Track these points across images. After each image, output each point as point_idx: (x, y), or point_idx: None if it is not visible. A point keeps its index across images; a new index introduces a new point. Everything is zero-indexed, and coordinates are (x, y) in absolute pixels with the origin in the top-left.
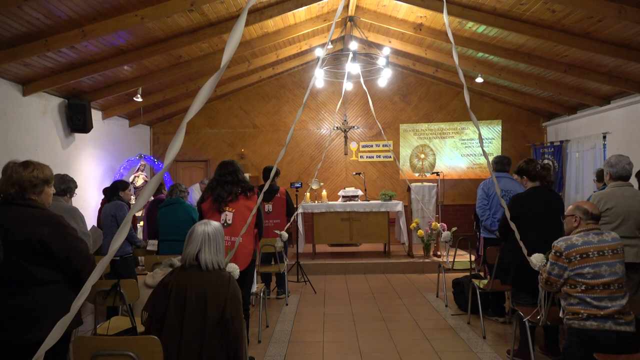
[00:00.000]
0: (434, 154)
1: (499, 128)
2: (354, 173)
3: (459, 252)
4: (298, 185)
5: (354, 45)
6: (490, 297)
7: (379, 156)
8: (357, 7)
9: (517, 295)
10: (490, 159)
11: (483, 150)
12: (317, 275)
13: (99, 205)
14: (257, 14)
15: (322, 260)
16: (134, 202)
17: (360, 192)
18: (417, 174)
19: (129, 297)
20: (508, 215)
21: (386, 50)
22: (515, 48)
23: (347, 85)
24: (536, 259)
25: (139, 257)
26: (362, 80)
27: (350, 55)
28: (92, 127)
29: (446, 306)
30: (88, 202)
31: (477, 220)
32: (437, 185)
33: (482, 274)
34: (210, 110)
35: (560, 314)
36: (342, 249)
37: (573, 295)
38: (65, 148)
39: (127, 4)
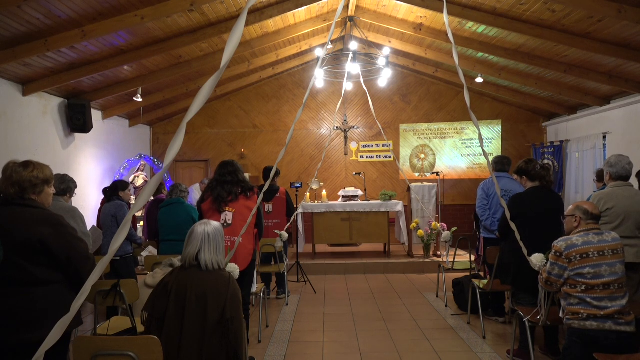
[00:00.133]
0: (434, 154)
1: (499, 128)
2: (354, 173)
3: (459, 252)
4: (298, 185)
5: (354, 45)
6: (490, 297)
7: (379, 156)
8: (357, 7)
9: (517, 295)
10: (490, 159)
11: (483, 150)
12: (317, 275)
13: (99, 205)
14: (257, 14)
15: (322, 260)
16: (134, 202)
17: (360, 192)
18: (417, 174)
19: (129, 297)
20: (508, 215)
21: (386, 50)
22: (515, 48)
23: (347, 85)
24: (536, 259)
25: (139, 257)
26: (362, 80)
27: (350, 55)
28: (92, 127)
29: (446, 306)
30: (88, 202)
31: (477, 220)
32: (437, 185)
33: (482, 274)
34: (210, 110)
35: (560, 314)
36: (342, 249)
37: (573, 295)
38: (65, 148)
39: (127, 4)
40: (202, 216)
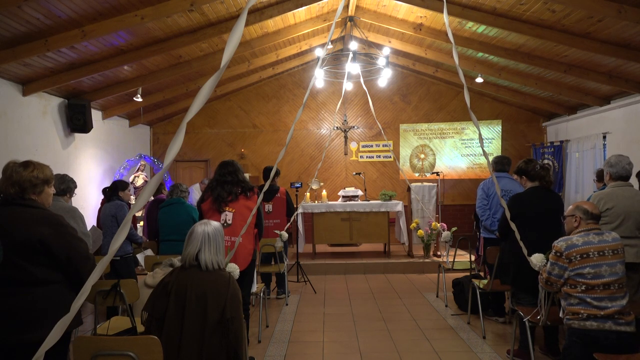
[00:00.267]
0: (434, 154)
1: (499, 128)
2: (354, 173)
3: (459, 252)
4: (298, 185)
5: (354, 45)
6: (490, 297)
7: (379, 156)
8: (357, 7)
9: (517, 295)
10: (490, 159)
11: (483, 150)
12: (317, 275)
13: (99, 205)
14: (257, 14)
15: (322, 260)
16: (133, 202)
17: (360, 192)
18: (417, 174)
19: (129, 297)
20: (508, 215)
21: (386, 50)
22: (515, 48)
23: (347, 85)
24: (536, 259)
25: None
26: (362, 80)
27: (350, 55)
28: (92, 127)
29: (446, 306)
30: (88, 202)
31: (477, 220)
32: (437, 185)
33: (482, 274)
34: (210, 110)
35: (560, 314)
36: (342, 249)
37: (573, 296)
38: (65, 148)
39: (127, 4)
40: (202, 216)
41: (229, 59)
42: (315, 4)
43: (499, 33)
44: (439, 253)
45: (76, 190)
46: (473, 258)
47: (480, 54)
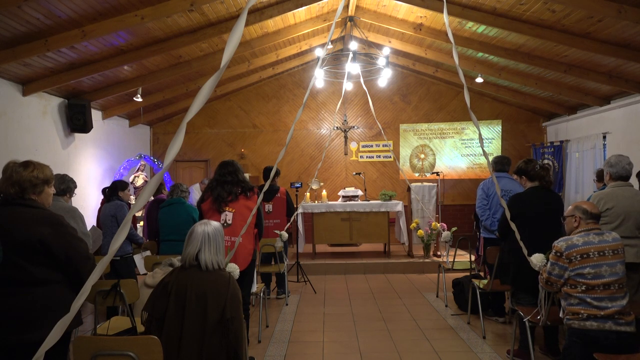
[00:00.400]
0: (434, 154)
1: (499, 128)
2: (354, 173)
3: (459, 252)
4: (298, 185)
5: (354, 45)
6: (490, 297)
7: (379, 156)
8: (357, 7)
9: (517, 295)
10: (490, 159)
11: (483, 150)
12: (317, 275)
13: (99, 205)
14: (257, 14)
15: (322, 260)
16: (133, 202)
17: (360, 192)
18: (417, 174)
19: (129, 297)
20: (508, 215)
21: (386, 50)
22: (515, 48)
23: (347, 85)
24: (536, 259)
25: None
26: (362, 80)
27: (350, 55)
28: (92, 127)
29: (446, 306)
30: (88, 202)
31: (477, 220)
32: (437, 185)
33: (482, 274)
34: (210, 110)
35: (560, 314)
36: (342, 249)
37: (573, 296)
38: (65, 148)
39: (127, 4)
40: (202, 216)
41: (229, 59)
42: (315, 4)
43: (499, 33)
44: (439, 253)
45: (76, 190)
46: (473, 258)
47: (480, 54)
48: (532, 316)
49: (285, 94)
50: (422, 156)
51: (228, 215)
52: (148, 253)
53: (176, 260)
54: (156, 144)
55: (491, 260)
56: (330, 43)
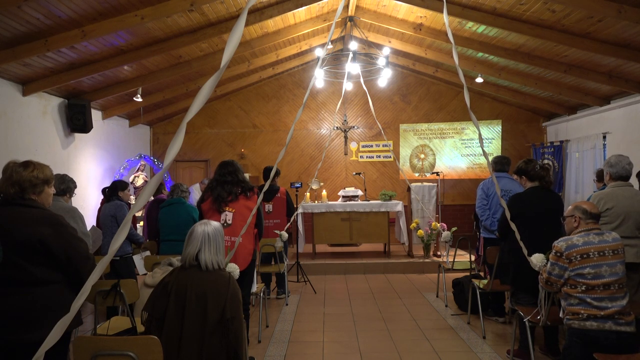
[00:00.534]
0: (434, 154)
1: (499, 128)
2: (354, 173)
3: (459, 252)
4: (298, 185)
5: (354, 45)
6: (490, 297)
7: (379, 156)
8: (357, 7)
9: (517, 295)
10: (490, 159)
11: (483, 150)
12: (317, 275)
13: (99, 205)
14: (257, 14)
15: (322, 260)
16: (133, 202)
17: (360, 192)
18: (417, 174)
19: (129, 297)
20: (508, 215)
21: (386, 50)
22: (515, 48)
23: (347, 85)
24: (536, 259)
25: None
26: (362, 80)
27: (350, 55)
28: (92, 127)
29: (446, 306)
30: (88, 202)
31: (477, 220)
32: (437, 185)
33: (482, 274)
34: (210, 110)
35: (560, 314)
36: (342, 249)
37: (573, 296)
38: (65, 148)
39: (127, 4)
40: (202, 216)
41: (229, 59)
42: (315, 4)
43: (499, 33)
44: (439, 253)
45: (76, 190)
46: (473, 258)
47: (480, 54)
48: (532, 316)
49: (285, 94)
50: (422, 156)
51: (228, 215)
52: (148, 253)
53: (175, 260)
54: (156, 144)
55: (491, 260)
56: (330, 43)
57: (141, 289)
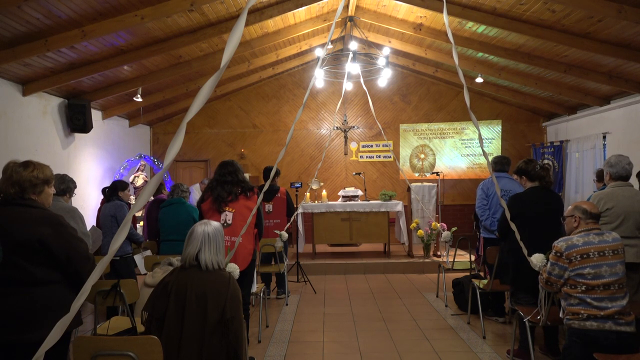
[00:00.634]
0: (434, 154)
1: (499, 128)
2: (354, 173)
3: (459, 252)
4: (298, 185)
5: (354, 45)
6: (490, 297)
7: (379, 156)
8: (357, 7)
9: (517, 295)
10: (490, 159)
11: (483, 151)
12: (317, 275)
13: (99, 205)
14: (257, 14)
15: (322, 260)
16: (133, 202)
17: (360, 192)
18: (417, 174)
19: (129, 297)
20: (508, 215)
21: (386, 50)
22: (515, 48)
23: (347, 85)
24: (536, 259)
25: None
26: (362, 80)
27: (350, 55)
28: (92, 127)
29: (446, 306)
30: (88, 202)
31: (477, 220)
32: (437, 185)
33: (482, 274)
34: (210, 110)
35: (560, 314)
36: (342, 249)
37: (573, 296)
38: (65, 148)
39: (127, 4)
40: (202, 216)
41: (229, 59)
42: (315, 4)
43: (499, 33)
44: (439, 253)
45: (76, 190)
46: (473, 258)
47: (480, 54)
48: (532, 316)
49: (285, 94)
50: (422, 156)
51: (228, 215)
52: (149, 252)
53: (174, 260)
54: (156, 144)
55: (491, 260)
56: (330, 43)
57: (141, 289)
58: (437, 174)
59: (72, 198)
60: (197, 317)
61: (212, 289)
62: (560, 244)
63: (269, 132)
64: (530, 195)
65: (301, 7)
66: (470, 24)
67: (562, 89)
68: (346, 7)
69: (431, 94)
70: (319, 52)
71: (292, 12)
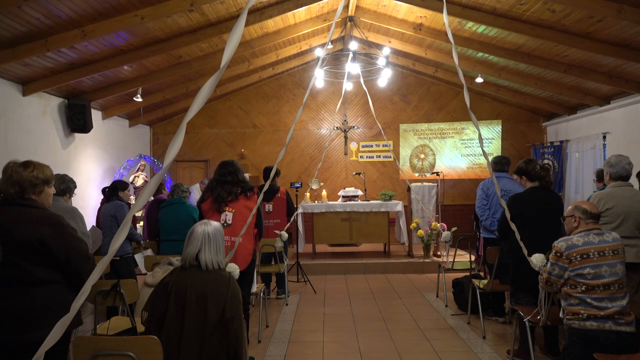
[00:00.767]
0: (434, 154)
1: (499, 128)
2: (354, 173)
3: (459, 252)
4: (298, 185)
5: (354, 45)
6: (490, 297)
7: (379, 156)
8: (357, 7)
9: (517, 295)
10: (490, 159)
11: (483, 151)
12: (317, 275)
13: (99, 205)
14: (257, 14)
15: (322, 260)
16: (133, 202)
17: (360, 192)
18: (417, 174)
19: (129, 297)
20: (508, 215)
21: (386, 50)
22: (515, 48)
23: (347, 85)
24: (536, 259)
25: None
26: (362, 80)
27: (350, 55)
28: (92, 127)
29: (446, 306)
30: (88, 202)
31: (477, 220)
32: (437, 185)
33: (482, 274)
34: (210, 110)
35: (560, 314)
36: (342, 249)
37: (573, 296)
38: (65, 148)
39: (127, 4)
40: (202, 216)
41: (229, 59)
42: (315, 4)
43: (499, 33)
44: (439, 253)
45: (76, 190)
46: (473, 258)
47: (480, 54)
48: (532, 316)
49: (285, 94)
50: (422, 156)
51: (228, 215)
52: (149, 252)
53: (174, 260)
54: (156, 144)
55: (491, 260)
56: (330, 43)
57: (142, 289)
58: (437, 174)
59: (72, 198)
60: (197, 317)
61: (212, 289)
62: (560, 244)
63: (269, 132)
64: (530, 195)
65: (301, 7)
66: (470, 24)
67: (562, 89)
68: (346, 7)
69: (431, 94)
70: (319, 52)
71: (292, 12)
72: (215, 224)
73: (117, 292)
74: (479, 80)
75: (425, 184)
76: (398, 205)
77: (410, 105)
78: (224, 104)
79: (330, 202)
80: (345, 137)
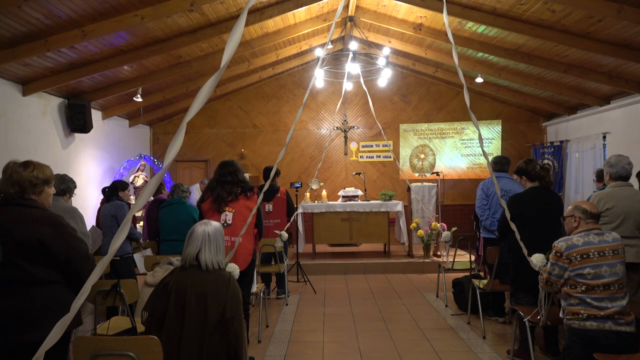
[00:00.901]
0: (434, 154)
1: (499, 128)
2: (354, 173)
3: (459, 252)
4: (298, 185)
5: (354, 45)
6: (490, 297)
7: (379, 156)
8: (357, 7)
9: (517, 295)
10: (490, 159)
11: (483, 151)
12: (317, 275)
13: (99, 205)
14: (257, 14)
15: (322, 260)
16: (133, 202)
17: (360, 192)
18: (417, 174)
19: (129, 297)
20: (508, 215)
21: (386, 50)
22: (515, 48)
23: (347, 85)
24: (536, 259)
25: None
26: (362, 80)
27: (350, 55)
28: (92, 127)
29: (446, 306)
30: (88, 202)
31: (477, 220)
32: (437, 185)
33: (482, 274)
34: (210, 110)
35: (560, 314)
36: (342, 249)
37: (573, 296)
38: (65, 148)
39: (127, 4)
40: (202, 216)
41: (229, 59)
42: (315, 4)
43: (499, 33)
44: (439, 253)
45: (76, 190)
46: (473, 258)
47: (480, 54)
48: (532, 316)
49: (285, 94)
50: (422, 156)
51: (228, 215)
52: (149, 251)
53: (174, 259)
54: (156, 144)
55: (491, 260)
56: (330, 43)
57: (142, 289)
58: (437, 174)
59: (72, 198)
60: (197, 317)
61: (212, 288)
62: (560, 244)
63: (269, 132)
64: (530, 195)
65: (301, 7)
66: (470, 24)
67: (562, 89)
68: (346, 7)
69: (431, 94)
70: (319, 52)
71: (292, 12)
72: (215, 224)
73: (117, 292)
74: (479, 80)
75: (425, 184)
76: (398, 205)
77: (410, 105)
78: (224, 104)
79: (330, 202)
80: (345, 137)
